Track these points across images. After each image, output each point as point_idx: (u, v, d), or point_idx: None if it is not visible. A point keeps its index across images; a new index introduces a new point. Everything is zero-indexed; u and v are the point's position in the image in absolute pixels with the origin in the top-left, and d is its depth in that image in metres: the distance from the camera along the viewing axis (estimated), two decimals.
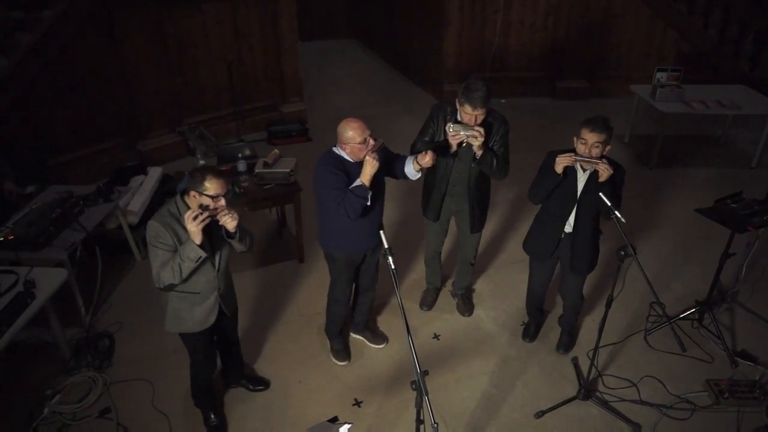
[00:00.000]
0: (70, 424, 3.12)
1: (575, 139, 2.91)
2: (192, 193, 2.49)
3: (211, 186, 2.46)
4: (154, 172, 4.77)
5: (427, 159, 2.94)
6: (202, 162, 4.25)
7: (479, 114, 2.99)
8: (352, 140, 2.83)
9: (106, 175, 4.96)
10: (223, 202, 2.50)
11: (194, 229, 2.42)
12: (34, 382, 3.33)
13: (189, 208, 2.52)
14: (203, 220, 2.42)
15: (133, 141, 5.66)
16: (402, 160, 3.11)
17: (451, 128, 3.00)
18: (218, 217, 2.49)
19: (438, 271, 3.91)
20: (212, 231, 2.59)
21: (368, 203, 2.89)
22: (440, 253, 3.82)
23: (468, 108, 2.99)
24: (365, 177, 2.83)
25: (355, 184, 2.86)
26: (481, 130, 2.98)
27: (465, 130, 2.98)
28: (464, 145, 3.08)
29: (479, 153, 3.09)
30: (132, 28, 5.20)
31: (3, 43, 4.59)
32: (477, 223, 3.49)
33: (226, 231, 2.59)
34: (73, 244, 3.52)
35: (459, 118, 3.10)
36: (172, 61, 5.62)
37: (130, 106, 5.49)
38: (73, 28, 4.87)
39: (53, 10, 4.70)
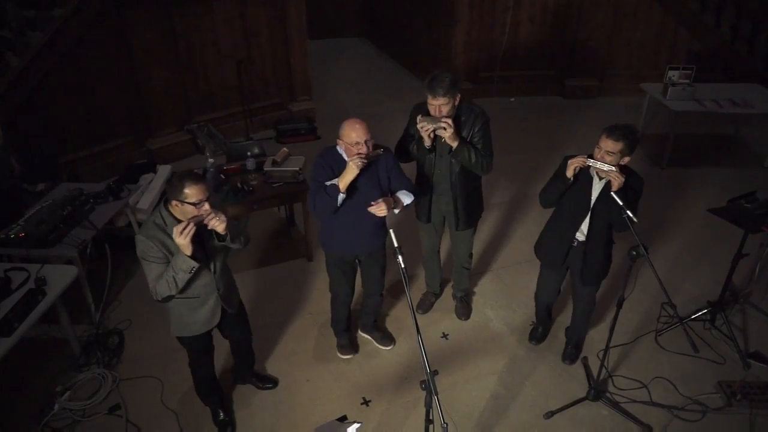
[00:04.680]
0: (80, 420, 3.14)
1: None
2: (174, 202, 2.42)
3: (192, 192, 2.37)
4: (164, 170, 4.79)
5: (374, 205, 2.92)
6: (210, 161, 4.25)
7: (441, 104, 2.95)
8: (347, 138, 2.81)
9: (116, 172, 4.99)
10: (207, 206, 2.41)
11: (183, 242, 2.35)
12: (45, 379, 3.36)
13: (174, 217, 2.45)
14: (190, 231, 2.35)
15: (142, 139, 5.69)
16: (403, 187, 3.06)
17: (419, 120, 2.99)
18: (205, 222, 2.42)
19: (437, 272, 3.84)
20: (203, 235, 2.54)
21: (338, 205, 2.86)
22: (438, 252, 3.76)
23: (429, 97, 2.96)
24: (342, 180, 2.80)
25: (330, 182, 2.85)
26: (449, 120, 2.94)
27: (433, 122, 2.96)
28: (442, 140, 3.06)
29: (453, 145, 3.05)
30: (142, 27, 5.22)
31: (15, 41, 4.62)
32: (462, 221, 3.39)
33: (217, 234, 2.52)
34: (83, 242, 3.54)
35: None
36: (181, 60, 5.64)
37: (139, 104, 5.52)
38: (84, 26, 4.89)
39: (64, 8, 4.72)
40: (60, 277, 3.18)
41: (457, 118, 3.05)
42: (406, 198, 3.04)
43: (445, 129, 2.95)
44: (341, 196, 2.83)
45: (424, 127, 2.97)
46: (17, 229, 3.47)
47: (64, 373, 3.40)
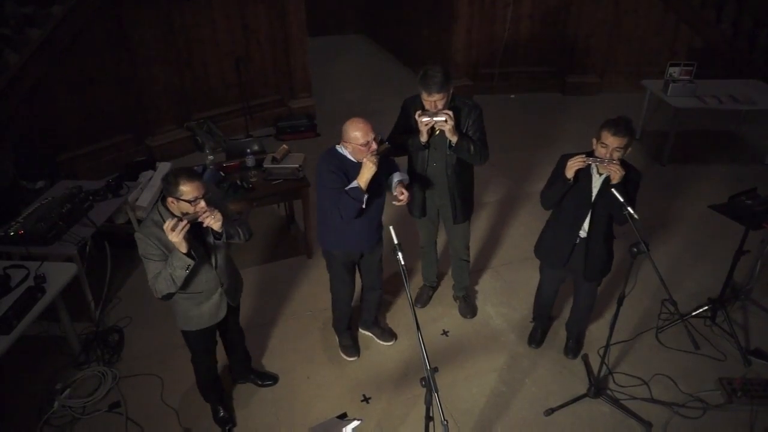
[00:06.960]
0: (80, 418, 3.14)
1: (594, 140, 2.83)
2: (170, 199, 2.39)
3: (187, 190, 2.34)
4: (163, 168, 4.79)
5: (402, 198, 2.94)
6: (210, 158, 4.24)
7: (437, 99, 2.96)
8: (355, 140, 2.80)
9: (115, 170, 4.98)
10: (203, 204, 2.38)
11: (176, 240, 2.31)
12: (44, 377, 3.35)
13: (172, 214, 2.42)
14: (183, 229, 2.31)
15: (141, 136, 5.68)
16: (395, 170, 3.10)
17: (418, 115, 2.99)
18: (200, 219, 2.39)
19: (434, 264, 3.85)
20: (202, 231, 2.52)
21: (363, 206, 2.85)
22: (435, 243, 3.76)
23: (424, 94, 2.97)
24: (362, 179, 2.80)
25: (350, 186, 2.83)
26: (450, 113, 2.95)
27: (433, 116, 2.96)
28: (437, 132, 3.07)
29: (453, 139, 3.05)
30: (141, 23, 5.21)
31: (14, 38, 4.61)
32: (459, 214, 3.41)
33: (213, 232, 2.50)
34: (82, 239, 3.53)
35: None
36: (180, 57, 5.64)
37: (138, 101, 5.51)
38: (83, 23, 4.88)
39: (63, 5, 4.71)
40: (59, 274, 3.18)
41: (455, 111, 3.05)
42: (404, 177, 3.13)
43: (446, 122, 2.95)
44: (365, 197, 2.84)
45: (425, 121, 2.97)
46: (16, 226, 3.47)
47: (64, 370, 3.40)
